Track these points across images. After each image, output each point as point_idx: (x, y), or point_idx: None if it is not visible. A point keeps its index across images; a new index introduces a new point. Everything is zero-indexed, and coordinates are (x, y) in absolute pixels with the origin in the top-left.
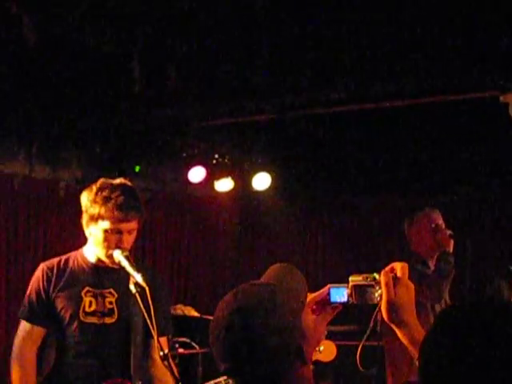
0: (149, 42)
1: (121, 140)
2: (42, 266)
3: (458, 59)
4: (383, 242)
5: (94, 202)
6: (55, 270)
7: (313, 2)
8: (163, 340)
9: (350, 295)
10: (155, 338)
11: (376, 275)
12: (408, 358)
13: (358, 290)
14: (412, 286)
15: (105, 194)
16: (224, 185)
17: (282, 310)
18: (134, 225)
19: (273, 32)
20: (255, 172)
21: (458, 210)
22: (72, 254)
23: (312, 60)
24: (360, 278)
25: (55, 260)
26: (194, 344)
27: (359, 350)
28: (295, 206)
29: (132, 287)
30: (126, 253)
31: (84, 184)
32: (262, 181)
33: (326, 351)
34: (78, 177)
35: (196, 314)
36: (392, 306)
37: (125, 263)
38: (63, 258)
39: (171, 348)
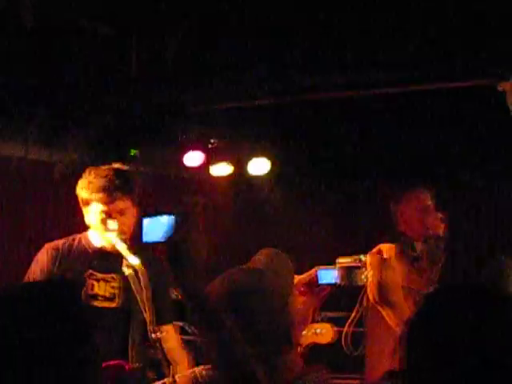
0: (146, 25)
1: (117, 123)
2: (47, 247)
3: (456, 46)
4: (380, 229)
5: (82, 188)
6: (60, 251)
7: None
8: (169, 328)
9: (337, 276)
10: (147, 320)
11: (363, 257)
12: (391, 342)
13: (346, 272)
14: (399, 267)
15: (89, 178)
16: (221, 169)
17: (270, 294)
18: (121, 205)
19: (272, 15)
20: (252, 157)
21: (456, 197)
22: (77, 237)
23: (311, 45)
24: (347, 259)
25: (60, 242)
26: (190, 329)
27: (344, 331)
28: (292, 192)
29: (125, 269)
30: (122, 236)
31: (80, 167)
32: (259, 166)
33: (323, 333)
34: (75, 159)
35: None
36: (379, 288)
37: (119, 246)
38: (69, 239)
39: (185, 333)
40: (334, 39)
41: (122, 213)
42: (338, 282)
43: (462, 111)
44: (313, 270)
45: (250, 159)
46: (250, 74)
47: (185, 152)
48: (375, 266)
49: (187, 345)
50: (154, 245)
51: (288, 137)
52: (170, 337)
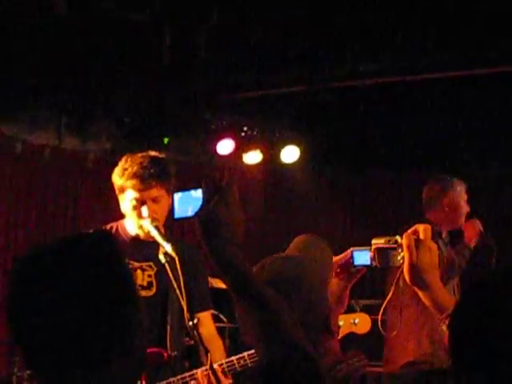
0: (179, 13)
1: (150, 112)
2: None
3: (484, 33)
4: (407, 217)
5: (117, 175)
6: None
7: None
8: (206, 315)
9: (372, 258)
10: (184, 308)
11: (398, 238)
12: (422, 323)
13: (381, 253)
14: (435, 247)
15: (125, 165)
16: (252, 157)
17: (308, 282)
18: (155, 192)
19: (301, 5)
20: (283, 145)
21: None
22: (113, 225)
23: (341, 33)
24: (382, 240)
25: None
26: (221, 317)
27: (380, 314)
28: (322, 180)
29: (161, 257)
30: (156, 223)
31: (113, 155)
32: (290, 154)
33: (360, 323)
34: (107, 148)
35: (224, 285)
36: (414, 269)
37: (154, 232)
38: (106, 227)
39: (217, 320)
40: (363, 28)
41: (155, 200)
42: (374, 263)
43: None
44: (348, 252)
45: (281, 147)
46: (282, 62)
47: (217, 140)
48: (411, 246)
49: (221, 332)
50: (187, 219)
51: (317, 125)
52: (206, 324)
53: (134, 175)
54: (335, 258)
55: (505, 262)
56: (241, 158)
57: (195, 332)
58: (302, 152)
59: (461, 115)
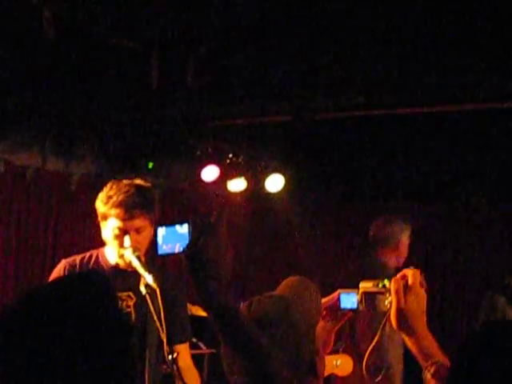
0: (168, 39)
1: (135, 136)
2: (64, 264)
3: (486, 68)
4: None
5: (101, 201)
6: (77, 268)
7: (330, 9)
8: (184, 347)
9: (359, 302)
10: (164, 340)
11: (386, 282)
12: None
13: (368, 297)
14: (423, 294)
15: (110, 193)
16: (237, 185)
17: (296, 323)
18: (139, 223)
19: (291, 35)
20: (268, 173)
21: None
22: (93, 253)
23: (328, 65)
24: (370, 284)
25: (77, 257)
26: (201, 344)
27: (365, 358)
28: (307, 209)
29: (142, 288)
30: (138, 253)
31: (97, 179)
32: (274, 182)
33: (342, 365)
34: (91, 171)
35: (203, 313)
36: (401, 314)
37: (136, 263)
38: (86, 255)
39: (196, 347)
40: (352, 60)
41: (138, 231)
42: (361, 307)
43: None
44: (335, 294)
45: (266, 175)
46: (268, 91)
47: (202, 166)
48: (399, 291)
49: (200, 360)
50: (171, 256)
51: (303, 154)
52: (183, 356)
53: (119, 204)
54: (322, 300)
55: None
56: (225, 185)
57: (174, 366)
58: (286, 181)
59: (445, 147)
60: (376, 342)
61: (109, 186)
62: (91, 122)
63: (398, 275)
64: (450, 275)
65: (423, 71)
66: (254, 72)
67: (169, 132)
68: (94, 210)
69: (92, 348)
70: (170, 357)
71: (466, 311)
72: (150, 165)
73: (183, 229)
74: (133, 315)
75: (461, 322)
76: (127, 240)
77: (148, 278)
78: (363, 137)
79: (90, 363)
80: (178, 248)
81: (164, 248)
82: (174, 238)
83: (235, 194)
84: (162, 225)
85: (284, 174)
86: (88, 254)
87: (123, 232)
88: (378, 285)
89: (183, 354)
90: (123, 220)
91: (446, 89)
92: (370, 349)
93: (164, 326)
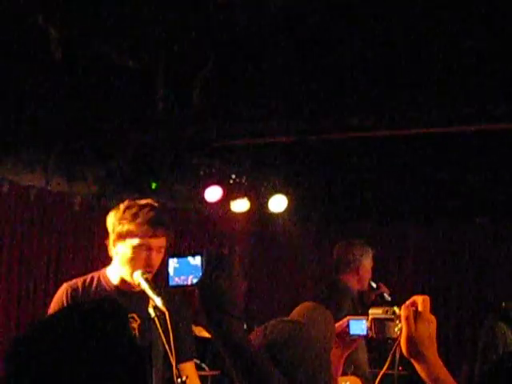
0: (174, 61)
1: (139, 156)
2: (66, 287)
3: (495, 90)
4: (391, 268)
5: (123, 219)
6: (80, 291)
7: (332, 28)
8: (190, 365)
9: (369, 328)
10: (173, 364)
11: (396, 309)
12: None
13: (378, 324)
14: (433, 320)
15: (134, 210)
16: (240, 205)
17: (311, 347)
18: (162, 242)
19: (294, 57)
20: (271, 194)
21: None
22: (95, 275)
23: (332, 86)
24: (380, 311)
25: (79, 280)
26: (204, 365)
27: (377, 381)
28: (309, 230)
29: (151, 311)
30: (147, 275)
31: (99, 199)
32: (278, 203)
33: None
34: (94, 191)
35: (207, 334)
36: (412, 341)
37: (144, 285)
38: (87, 278)
39: (199, 369)
40: (356, 81)
41: (159, 250)
42: (370, 334)
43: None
44: (344, 320)
45: (270, 196)
46: (272, 113)
47: (205, 187)
48: (409, 318)
49: (203, 381)
50: (183, 288)
51: (306, 175)
52: (190, 376)
53: (147, 221)
54: None
55: None
56: (228, 205)
57: None
58: (289, 201)
59: (443, 169)
60: (386, 369)
61: (126, 204)
62: (95, 142)
63: (408, 302)
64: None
65: (424, 94)
66: (258, 93)
67: (172, 152)
68: (96, 231)
69: (107, 378)
70: (179, 380)
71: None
72: (154, 185)
73: (196, 261)
74: (137, 338)
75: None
76: (151, 259)
77: (157, 301)
78: (367, 157)
79: None
80: (190, 280)
81: (176, 280)
82: (186, 270)
83: (238, 215)
84: (173, 255)
85: (287, 195)
86: (89, 277)
87: (146, 250)
88: (387, 311)
89: (191, 373)
90: (149, 237)
91: (447, 110)
92: (380, 375)
93: (173, 349)
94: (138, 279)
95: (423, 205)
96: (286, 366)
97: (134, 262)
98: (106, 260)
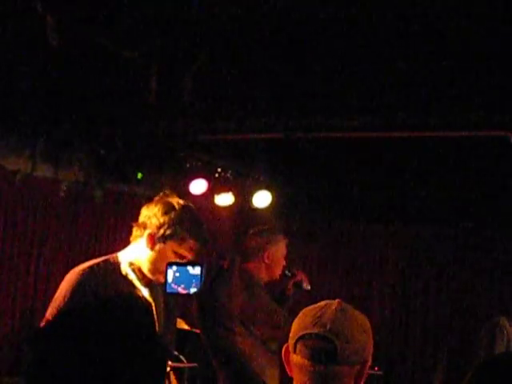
0: (168, 53)
1: (126, 146)
2: (81, 272)
3: (471, 97)
4: (374, 266)
5: (180, 223)
6: (96, 279)
7: (319, 27)
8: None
9: None
10: None
11: None
12: None
13: None
14: None
15: (192, 222)
16: (224, 199)
17: (368, 326)
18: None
19: (281, 55)
20: (256, 189)
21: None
22: (109, 260)
23: (319, 86)
24: None
25: (94, 265)
26: (182, 358)
27: None
28: (292, 227)
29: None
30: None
31: (85, 186)
32: (262, 198)
33: None
34: (80, 178)
35: (186, 326)
36: None
37: (132, 276)
38: (100, 263)
39: (177, 360)
40: (342, 80)
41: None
42: None
43: (470, 160)
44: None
45: (254, 191)
46: (261, 109)
47: (190, 179)
48: None
49: (180, 373)
50: (180, 296)
51: (291, 172)
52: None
53: (202, 241)
54: None
55: None
56: (213, 199)
57: (167, 381)
58: (273, 197)
59: (423, 172)
60: None
61: (183, 207)
62: (83, 129)
63: None
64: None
65: (413, 96)
66: (247, 89)
67: (159, 144)
68: (81, 217)
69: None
70: None
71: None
72: (139, 175)
73: (195, 270)
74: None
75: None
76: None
77: (143, 292)
78: (352, 156)
79: None
80: (188, 290)
81: (173, 287)
82: (184, 279)
83: (222, 209)
84: (172, 264)
85: (271, 191)
86: (102, 262)
87: (178, 258)
88: None
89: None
90: (190, 252)
91: (435, 114)
92: None
93: None
94: (126, 270)
95: (407, 206)
96: (346, 314)
97: (164, 264)
98: (90, 246)
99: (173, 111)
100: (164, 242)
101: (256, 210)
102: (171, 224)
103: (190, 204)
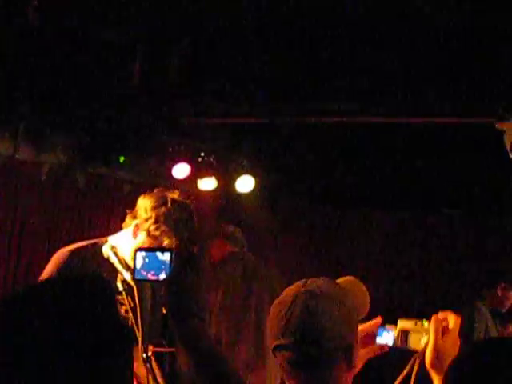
0: (152, 38)
1: (109, 129)
2: (67, 253)
3: (457, 84)
4: (357, 252)
5: (166, 220)
6: (83, 260)
7: (308, 14)
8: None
9: (396, 338)
10: (140, 339)
11: (425, 322)
12: None
13: (405, 335)
14: (459, 341)
15: (179, 221)
16: (207, 184)
17: (345, 306)
18: None
19: (269, 40)
20: (239, 174)
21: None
22: (99, 243)
23: (304, 69)
24: (409, 323)
25: (82, 247)
26: (163, 342)
27: None
28: (275, 212)
29: (119, 285)
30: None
31: (67, 169)
32: (245, 183)
33: None
34: (62, 161)
35: (165, 311)
36: (437, 353)
37: (114, 259)
38: (89, 246)
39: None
40: (329, 67)
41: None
42: (397, 343)
43: (458, 146)
44: (372, 324)
45: (237, 176)
46: (245, 93)
47: (173, 163)
48: (438, 331)
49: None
50: (148, 282)
51: (275, 158)
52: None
53: (179, 236)
54: (364, 325)
55: None
56: (196, 183)
57: (148, 364)
58: (257, 182)
59: (412, 158)
60: (403, 377)
61: (179, 205)
62: (65, 111)
63: (440, 315)
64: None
65: (398, 82)
66: (231, 72)
67: (142, 127)
68: (63, 200)
69: (88, 352)
70: (144, 355)
71: None
72: (122, 159)
73: (164, 256)
74: (128, 321)
75: None
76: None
77: (125, 275)
78: (335, 143)
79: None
80: (156, 277)
81: (142, 273)
82: (154, 265)
83: (205, 193)
84: (141, 249)
85: (255, 176)
86: (91, 245)
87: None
88: (416, 323)
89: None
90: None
91: (419, 101)
92: (397, 382)
93: (140, 324)
94: (108, 252)
95: (389, 192)
96: (318, 313)
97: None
98: (72, 229)
99: (156, 95)
100: (148, 235)
101: (240, 194)
102: (156, 220)
103: (187, 201)
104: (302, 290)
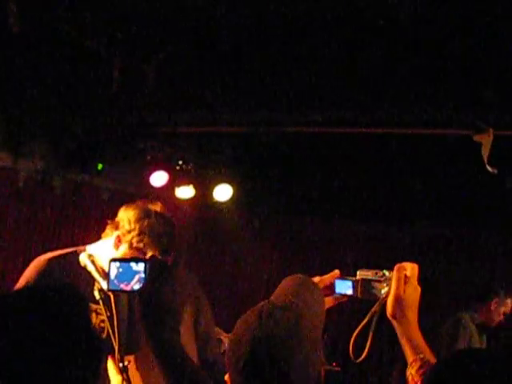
0: (131, 45)
1: (86, 136)
2: (46, 261)
3: (435, 95)
4: (333, 260)
5: (149, 233)
6: (60, 269)
7: (294, 25)
8: (131, 358)
9: (356, 288)
10: (116, 348)
11: (386, 272)
12: None
13: (365, 285)
14: (419, 288)
15: (167, 229)
16: (185, 192)
17: (308, 340)
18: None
19: (248, 49)
20: (217, 183)
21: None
22: (77, 252)
23: (283, 79)
24: (369, 273)
25: (60, 256)
26: None
27: (352, 341)
28: (253, 221)
29: (96, 293)
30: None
31: (44, 176)
32: (223, 192)
33: None
34: (39, 168)
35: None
36: (399, 302)
37: (91, 267)
38: (68, 255)
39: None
40: (307, 75)
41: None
42: (356, 294)
43: (434, 159)
44: (334, 273)
45: (215, 185)
46: (225, 102)
47: (151, 171)
48: (400, 279)
49: None
50: (122, 293)
51: (252, 166)
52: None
53: (162, 248)
54: (321, 278)
55: None
56: (173, 191)
57: (124, 374)
58: (235, 191)
59: (389, 170)
60: (364, 324)
61: (158, 216)
62: (43, 118)
63: (399, 265)
64: None
65: (374, 93)
66: (209, 80)
67: (120, 135)
68: (40, 207)
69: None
70: (121, 365)
71: None
72: (100, 166)
73: (139, 267)
74: (104, 332)
75: None
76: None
77: (102, 284)
78: (314, 153)
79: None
80: (131, 287)
81: (116, 283)
82: (128, 275)
83: (183, 201)
84: (115, 260)
85: (233, 185)
86: (70, 254)
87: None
88: (376, 273)
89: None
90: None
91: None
92: (356, 331)
93: (117, 333)
94: (85, 261)
95: (367, 203)
96: (282, 363)
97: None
98: (48, 237)
99: (135, 102)
100: (130, 247)
101: (217, 203)
102: (140, 232)
103: (168, 215)
104: (259, 334)
